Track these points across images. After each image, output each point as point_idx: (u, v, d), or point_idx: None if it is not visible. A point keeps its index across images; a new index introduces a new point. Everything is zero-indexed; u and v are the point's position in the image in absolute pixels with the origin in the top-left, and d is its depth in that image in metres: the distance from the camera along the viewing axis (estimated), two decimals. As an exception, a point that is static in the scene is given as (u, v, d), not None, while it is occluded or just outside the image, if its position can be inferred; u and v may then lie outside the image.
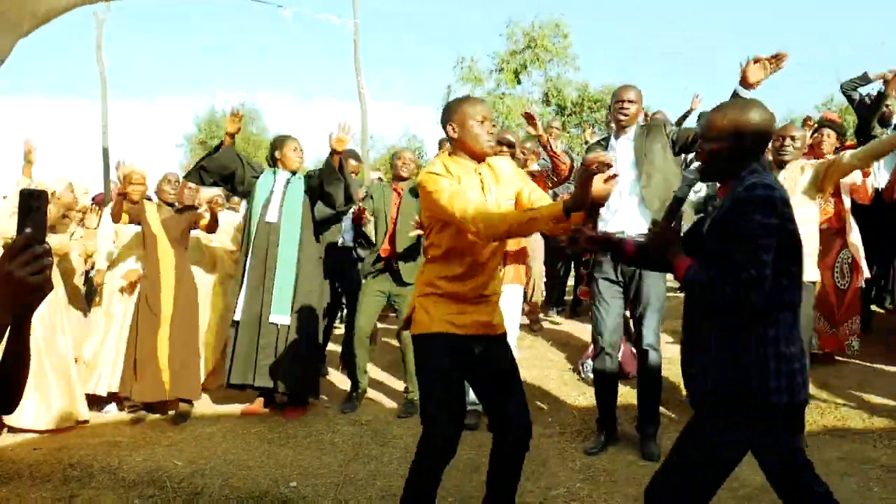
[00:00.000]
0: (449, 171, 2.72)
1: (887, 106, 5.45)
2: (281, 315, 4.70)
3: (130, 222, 5.03)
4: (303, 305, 4.77)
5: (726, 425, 2.10)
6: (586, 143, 6.87)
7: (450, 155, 2.84)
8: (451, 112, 2.79)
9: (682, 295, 7.47)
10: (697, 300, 2.23)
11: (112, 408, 5.14)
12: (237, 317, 4.76)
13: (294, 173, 4.90)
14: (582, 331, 6.18)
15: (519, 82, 22.58)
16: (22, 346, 1.42)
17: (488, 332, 2.82)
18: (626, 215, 3.93)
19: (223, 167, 4.79)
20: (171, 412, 4.92)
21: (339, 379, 5.75)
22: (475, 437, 4.38)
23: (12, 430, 4.56)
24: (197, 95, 57.67)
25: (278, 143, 4.95)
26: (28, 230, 1.27)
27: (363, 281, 5.08)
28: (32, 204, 1.29)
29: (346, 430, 4.59)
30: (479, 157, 2.80)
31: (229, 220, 5.85)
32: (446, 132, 2.81)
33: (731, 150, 2.19)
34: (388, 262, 4.87)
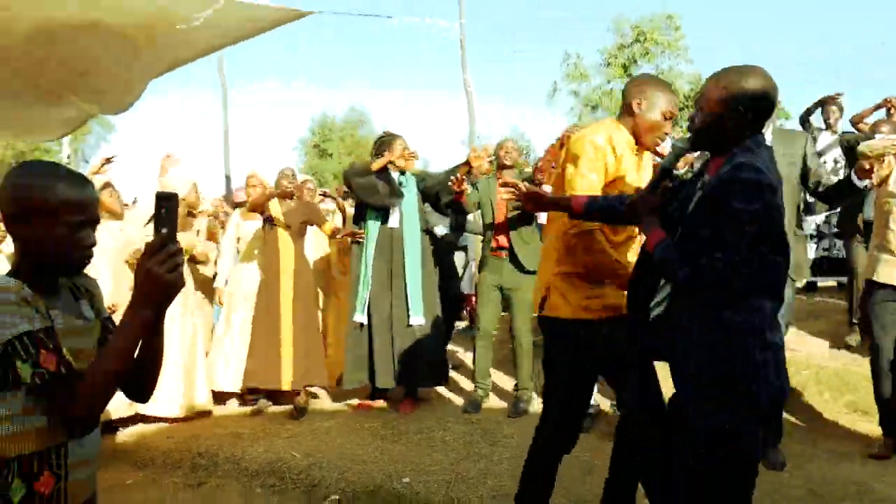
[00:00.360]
0: (613, 145, 2.60)
1: None
2: (418, 316, 4.85)
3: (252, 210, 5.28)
4: (431, 304, 4.92)
5: (711, 409, 1.96)
6: None
7: (618, 123, 2.70)
8: (646, 89, 2.65)
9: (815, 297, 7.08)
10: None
11: (233, 402, 5.40)
12: (360, 320, 4.88)
13: (402, 173, 4.98)
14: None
15: (629, 76, 22.04)
16: (157, 340, 1.52)
17: (620, 315, 2.60)
18: None
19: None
20: (292, 406, 5.11)
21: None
22: (589, 440, 4.31)
23: (146, 419, 4.88)
24: (314, 98, 59.39)
25: (386, 143, 4.97)
26: (164, 231, 1.37)
27: (478, 274, 5.14)
28: (165, 206, 1.39)
29: (456, 428, 4.62)
30: (640, 145, 2.69)
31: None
32: (629, 102, 2.65)
33: (724, 120, 1.98)
34: (506, 253, 4.87)
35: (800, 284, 6.92)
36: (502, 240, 4.89)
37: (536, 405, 4.88)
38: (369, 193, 4.81)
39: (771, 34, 38.56)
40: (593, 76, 22.27)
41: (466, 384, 5.56)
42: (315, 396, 5.27)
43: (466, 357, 6.20)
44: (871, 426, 4.31)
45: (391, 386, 4.89)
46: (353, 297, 4.96)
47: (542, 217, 5.65)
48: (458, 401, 5.21)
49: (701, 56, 27.77)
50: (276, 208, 5.16)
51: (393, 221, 4.90)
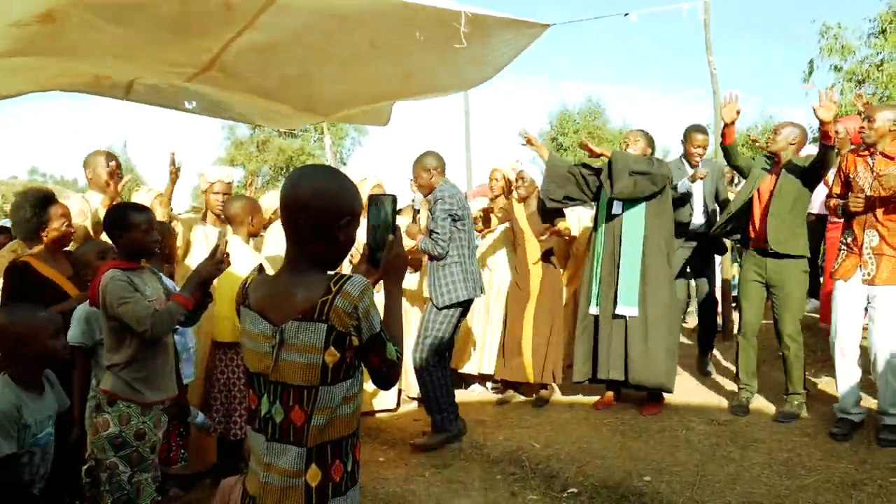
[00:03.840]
0: None
1: None
2: (628, 307, 4.66)
3: (500, 222, 5.52)
4: (653, 297, 4.67)
5: None
6: None
7: None
8: None
9: None
10: None
11: (476, 387, 5.65)
12: (593, 312, 4.82)
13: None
14: None
15: (901, 45, 19.36)
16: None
17: None
18: None
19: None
20: (534, 396, 5.23)
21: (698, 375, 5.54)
22: (855, 449, 3.90)
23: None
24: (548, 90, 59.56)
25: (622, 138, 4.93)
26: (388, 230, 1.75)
27: (739, 267, 4.82)
28: (376, 205, 1.75)
29: (701, 428, 4.40)
30: None
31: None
32: None
33: None
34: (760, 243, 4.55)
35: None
36: (758, 225, 4.54)
37: (804, 412, 4.49)
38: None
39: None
40: (858, 48, 19.85)
41: (717, 385, 5.27)
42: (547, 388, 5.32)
43: (721, 360, 5.88)
44: None
45: (606, 377, 4.76)
46: (587, 287, 4.92)
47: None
48: (702, 399, 4.96)
49: None
50: (521, 214, 5.31)
51: (616, 207, 4.77)
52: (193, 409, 3.34)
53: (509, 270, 5.49)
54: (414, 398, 5.36)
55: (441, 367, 4.42)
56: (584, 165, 4.97)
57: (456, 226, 4.34)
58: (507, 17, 3.87)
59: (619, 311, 4.67)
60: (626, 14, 5.43)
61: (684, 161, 5.32)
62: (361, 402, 1.69)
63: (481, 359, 5.50)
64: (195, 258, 4.04)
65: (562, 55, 53.98)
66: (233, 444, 3.85)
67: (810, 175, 4.38)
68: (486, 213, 5.97)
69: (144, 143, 56.14)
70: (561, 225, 5.04)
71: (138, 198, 4.50)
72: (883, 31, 19.32)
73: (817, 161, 4.27)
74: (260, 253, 4.32)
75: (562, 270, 5.35)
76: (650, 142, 4.91)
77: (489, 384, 5.62)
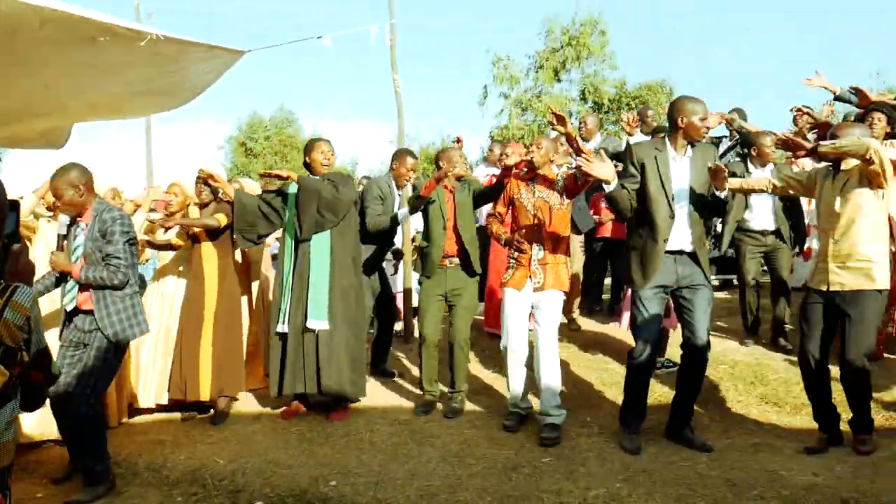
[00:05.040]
0: None
1: None
2: (317, 321, 4.71)
3: (178, 236, 5.18)
4: (339, 308, 4.78)
5: None
6: (628, 134, 6.76)
7: None
8: None
9: (716, 295, 7.36)
10: None
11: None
12: (283, 329, 4.77)
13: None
14: (618, 332, 6.11)
15: (559, 80, 22.48)
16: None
17: None
18: None
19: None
20: (211, 412, 5.00)
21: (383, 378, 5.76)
22: (514, 436, 4.38)
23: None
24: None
25: (309, 146, 4.96)
26: None
27: (419, 286, 5.10)
28: None
29: (384, 429, 4.61)
30: None
31: None
32: None
33: None
34: (455, 261, 4.90)
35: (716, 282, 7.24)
36: (451, 247, 4.90)
37: (469, 406, 4.93)
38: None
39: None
40: (524, 79, 22.61)
41: (401, 386, 5.55)
42: (236, 399, 5.15)
43: (404, 361, 6.19)
44: (781, 417, 4.52)
45: (301, 391, 4.78)
46: (275, 306, 4.87)
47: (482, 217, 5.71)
48: (388, 402, 5.20)
49: (626, 63, 28.36)
50: (194, 217, 5.05)
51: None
52: None
53: (185, 284, 5.15)
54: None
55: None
56: (269, 192, 5.01)
57: (132, 250, 3.90)
58: (202, 42, 3.71)
59: (309, 324, 4.70)
60: (320, 37, 5.53)
61: (392, 181, 5.46)
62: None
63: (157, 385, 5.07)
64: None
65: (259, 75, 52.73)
66: None
67: (485, 199, 4.92)
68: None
69: None
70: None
71: None
72: (541, 67, 22.20)
73: (496, 187, 4.74)
74: None
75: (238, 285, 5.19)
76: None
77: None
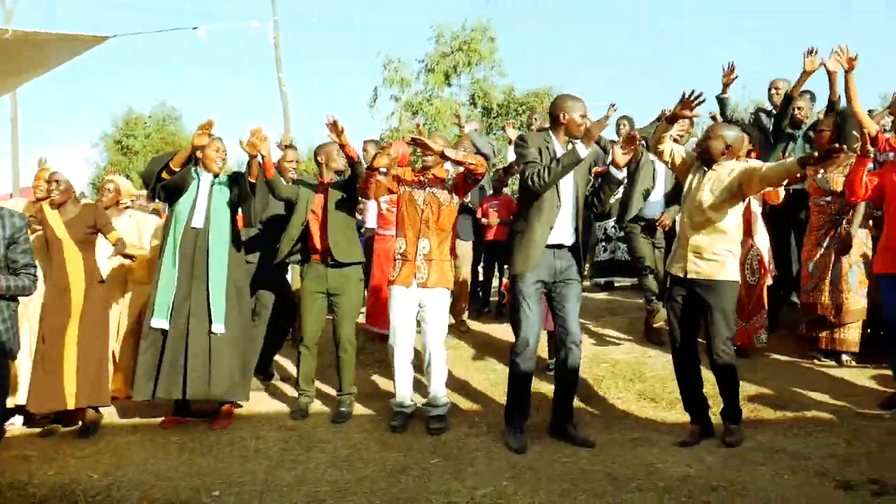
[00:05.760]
0: None
1: (798, 109, 5.75)
2: (220, 324, 4.55)
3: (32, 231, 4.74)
4: (234, 311, 4.64)
5: None
6: (510, 142, 6.97)
7: None
8: None
9: (598, 296, 7.66)
10: None
11: (17, 420, 4.87)
12: (161, 325, 4.52)
13: (216, 176, 4.75)
14: (506, 332, 6.24)
15: (449, 85, 22.70)
16: None
17: None
18: None
19: (183, 182, 4.63)
20: (80, 423, 4.70)
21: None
22: (403, 439, 4.38)
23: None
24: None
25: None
26: None
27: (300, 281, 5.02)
28: None
29: (271, 435, 4.50)
30: None
31: (151, 223, 5.66)
32: None
33: None
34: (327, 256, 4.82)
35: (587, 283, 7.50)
36: (318, 241, 4.83)
37: (358, 409, 4.89)
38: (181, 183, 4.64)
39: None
40: (414, 83, 22.68)
41: (288, 391, 5.43)
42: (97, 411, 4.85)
43: (288, 364, 6.07)
44: (658, 412, 4.74)
45: (178, 397, 4.55)
46: (154, 299, 4.60)
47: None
48: (274, 408, 5.08)
49: (515, 70, 29.13)
50: (52, 217, 4.68)
51: (197, 221, 4.61)
52: None
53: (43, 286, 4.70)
54: None
55: None
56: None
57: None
58: (65, 33, 3.57)
59: (214, 329, 4.53)
60: (196, 28, 5.36)
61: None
62: None
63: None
64: None
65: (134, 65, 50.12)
66: None
67: (349, 191, 4.85)
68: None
69: None
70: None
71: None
72: (431, 70, 22.35)
73: (351, 179, 4.75)
74: None
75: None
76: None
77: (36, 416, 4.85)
